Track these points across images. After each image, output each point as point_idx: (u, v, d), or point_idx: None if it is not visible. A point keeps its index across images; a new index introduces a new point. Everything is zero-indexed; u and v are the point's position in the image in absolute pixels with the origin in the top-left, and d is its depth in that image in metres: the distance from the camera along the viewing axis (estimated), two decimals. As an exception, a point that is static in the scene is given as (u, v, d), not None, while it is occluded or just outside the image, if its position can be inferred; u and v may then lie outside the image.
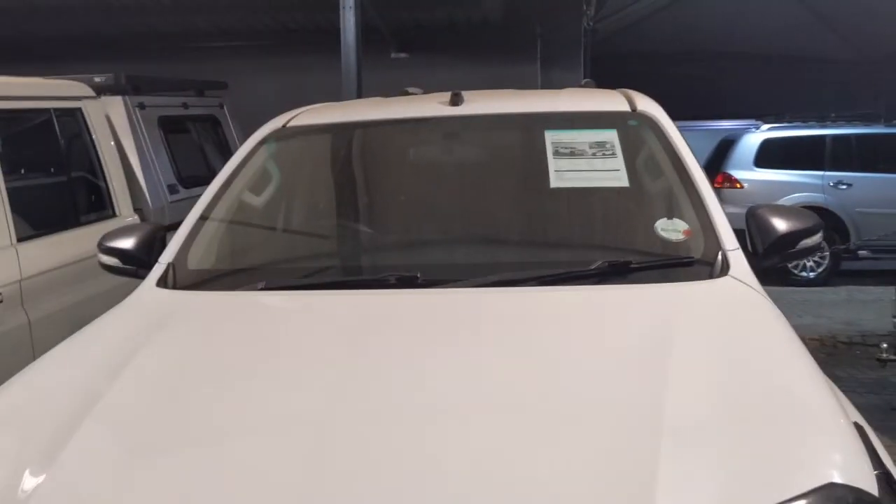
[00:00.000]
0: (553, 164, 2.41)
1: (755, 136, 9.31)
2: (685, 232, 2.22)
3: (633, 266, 2.10)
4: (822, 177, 8.97)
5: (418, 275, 2.10)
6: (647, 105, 2.69)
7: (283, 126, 2.80)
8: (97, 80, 4.57)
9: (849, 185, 8.91)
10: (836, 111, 9.90)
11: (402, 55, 9.07)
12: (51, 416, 1.58)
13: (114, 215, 4.24)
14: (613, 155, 2.43)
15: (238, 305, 2.13)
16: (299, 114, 2.91)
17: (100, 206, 4.23)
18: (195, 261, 2.37)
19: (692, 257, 2.15)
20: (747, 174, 9.04)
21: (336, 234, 2.66)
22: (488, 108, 2.79)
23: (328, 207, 2.78)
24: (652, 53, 14.02)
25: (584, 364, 1.67)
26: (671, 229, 2.23)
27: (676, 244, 2.20)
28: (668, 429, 1.40)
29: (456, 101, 2.71)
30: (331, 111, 3.00)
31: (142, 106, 4.83)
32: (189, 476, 1.39)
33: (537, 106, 2.82)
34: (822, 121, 9.47)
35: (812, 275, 8.69)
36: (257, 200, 2.73)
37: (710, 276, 2.07)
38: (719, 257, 2.11)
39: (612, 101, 2.77)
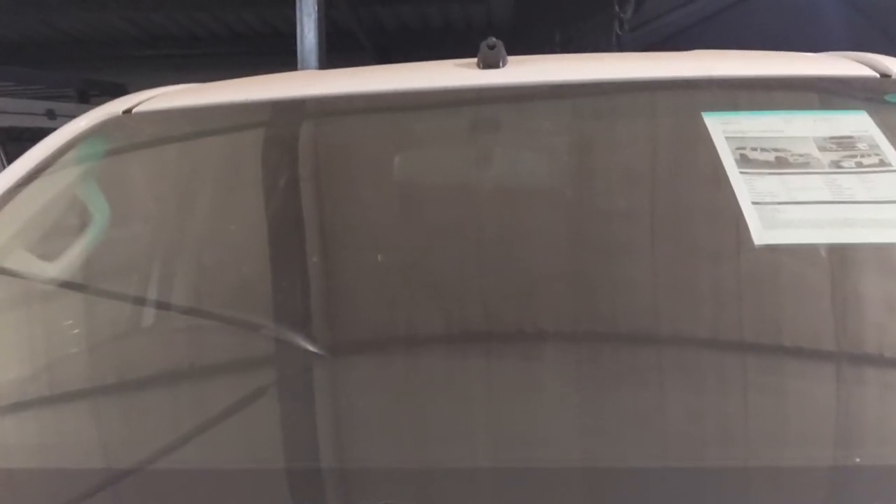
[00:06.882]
0: (744, 186, 0.89)
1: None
2: None
3: None
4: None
5: None
6: None
7: (125, 113, 1.36)
8: None
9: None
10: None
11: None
12: None
13: None
14: (885, 165, 0.92)
15: None
16: (158, 95, 1.45)
17: None
18: None
19: None
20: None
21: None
22: (557, 72, 1.22)
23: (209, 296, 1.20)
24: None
25: None
26: None
27: None
28: None
29: (492, 61, 1.24)
30: (228, 89, 1.42)
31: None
32: None
33: (663, 70, 1.20)
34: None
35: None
36: (46, 271, 1.19)
37: None
38: None
39: (824, 64, 1.25)
